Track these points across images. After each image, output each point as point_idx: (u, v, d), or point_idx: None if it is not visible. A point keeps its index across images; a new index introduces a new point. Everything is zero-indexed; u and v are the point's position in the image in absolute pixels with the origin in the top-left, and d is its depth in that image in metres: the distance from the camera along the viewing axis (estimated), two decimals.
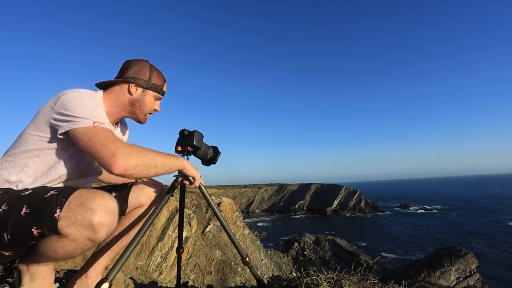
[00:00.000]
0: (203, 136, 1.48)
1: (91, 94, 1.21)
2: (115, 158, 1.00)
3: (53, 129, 1.10)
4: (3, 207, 1.00)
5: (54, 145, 1.13)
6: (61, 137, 1.10)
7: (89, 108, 1.11)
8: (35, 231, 0.96)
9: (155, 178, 1.48)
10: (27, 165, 1.11)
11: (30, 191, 1.06)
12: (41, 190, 1.06)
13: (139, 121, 1.41)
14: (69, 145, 1.14)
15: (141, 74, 1.33)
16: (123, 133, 1.48)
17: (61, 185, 1.18)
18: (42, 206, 0.97)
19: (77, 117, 1.06)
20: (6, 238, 0.98)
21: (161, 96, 1.41)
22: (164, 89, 1.42)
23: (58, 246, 0.99)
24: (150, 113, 1.41)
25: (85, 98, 1.14)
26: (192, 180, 1.34)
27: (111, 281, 1.03)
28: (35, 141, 1.12)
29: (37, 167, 1.12)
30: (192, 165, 1.30)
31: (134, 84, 1.31)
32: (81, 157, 1.21)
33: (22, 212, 0.97)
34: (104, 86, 1.33)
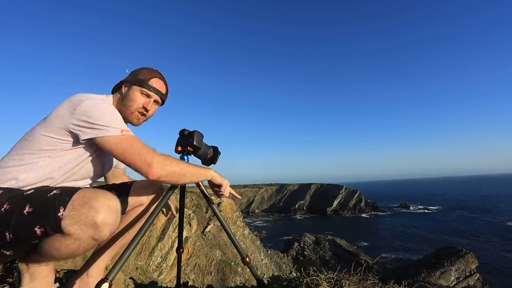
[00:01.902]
0: (203, 136, 1.49)
1: (106, 99, 1.27)
2: (152, 168, 1.12)
3: (72, 134, 1.13)
4: (5, 206, 1.00)
5: (68, 147, 1.15)
6: (83, 142, 1.14)
7: (113, 116, 1.17)
8: (38, 230, 0.96)
9: None
10: (37, 164, 1.12)
11: (32, 190, 1.07)
12: (44, 190, 1.06)
13: (129, 121, 1.36)
14: (83, 148, 1.18)
15: (132, 74, 1.36)
16: None
17: (66, 185, 1.19)
18: (45, 205, 0.98)
19: (104, 125, 1.11)
20: (8, 237, 0.98)
21: (147, 91, 1.33)
22: (152, 83, 1.34)
23: (61, 245, 0.99)
24: (140, 112, 1.34)
25: (106, 105, 1.18)
26: (220, 190, 1.39)
27: (111, 281, 1.04)
28: (47, 142, 1.12)
29: (47, 167, 1.13)
30: (219, 175, 1.38)
31: (124, 84, 1.35)
32: (90, 160, 1.23)
33: (24, 211, 0.97)
34: (113, 90, 1.39)
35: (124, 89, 1.34)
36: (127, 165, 1.16)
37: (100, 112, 1.13)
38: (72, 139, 1.14)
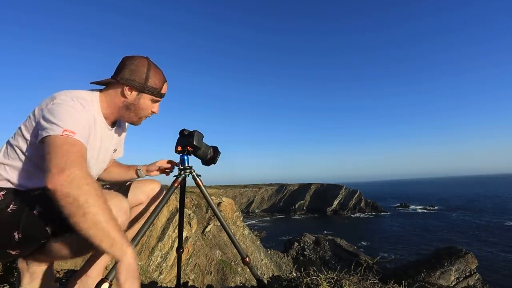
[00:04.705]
0: (203, 136, 1.50)
1: (84, 96, 1.14)
2: (63, 173, 0.87)
3: (37, 134, 1.04)
4: (11, 206, 1.00)
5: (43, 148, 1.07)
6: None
7: (71, 115, 1.03)
8: (49, 230, 0.97)
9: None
10: (25, 169, 1.09)
11: (39, 191, 1.05)
12: None
13: (133, 124, 1.36)
14: None
15: (137, 75, 1.20)
16: (120, 132, 1.44)
17: None
18: (56, 205, 0.96)
19: (53, 123, 0.99)
20: (16, 237, 0.98)
21: (159, 99, 1.30)
22: (163, 91, 1.29)
23: (70, 244, 1.01)
24: (147, 116, 1.34)
25: (75, 105, 1.06)
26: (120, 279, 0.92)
27: (111, 281, 1.04)
28: (26, 145, 1.08)
29: (35, 171, 1.10)
30: (131, 270, 0.93)
31: (128, 87, 1.20)
32: None
33: (34, 212, 0.98)
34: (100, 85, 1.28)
35: (129, 93, 1.21)
36: (45, 164, 0.92)
37: (64, 110, 1.03)
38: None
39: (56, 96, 1.08)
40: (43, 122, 1.01)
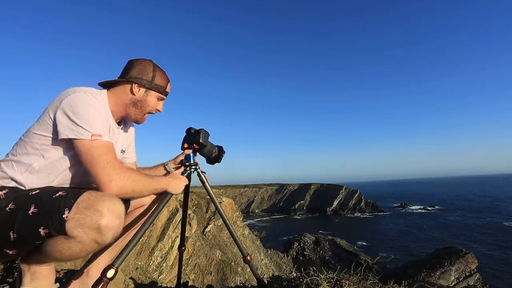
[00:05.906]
0: (209, 135, 1.53)
1: (97, 94, 1.20)
2: (111, 184, 1.09)
3: (56, 130, 1.10)
4: (10, 205, 1.00)
5: (59, 144, 1.13)
6: (65, 141, 1.11)
7: (93, 116, 1.11)
8: (42, 231, 0.96)
9: None
10: (31, 165, 1.11)
11: (37, 190, 1.07)
12: (50, 191, 1.06)
13: (137, 122, 1.40)
14: (72, 146, 1.14)
15: (144, 74, 1.31)
16: (126, 131, 1.47)
17: (66, 184, 1.19)
18: (51, 206, 0.97)
19: (79, 126, 1.07)
20: (12, 237, 0.98)
21: (164, 97, 1.40)
22: (168, 89, 1.40)
23: (64, 247, 0.99)
24: (150, 113, 1.39)
25: (92, 101, 1.13)
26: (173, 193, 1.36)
27: (117, 267, 1.04)
28: (40, 141, 1.11)
29: (42, 167, 1.12)
30: (176, 184, 1.35)
31: (136, 84, 1.30)
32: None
33: (30, 212, 0.98)
34: (107, 85, 1.33)
35: (137, 90, 1.31)
36: (89, 174, 1.10)
37: (83, 109, 1.09)
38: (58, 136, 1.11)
39: (70, 92, 1.12)
40: (65, 121, 1.08)
